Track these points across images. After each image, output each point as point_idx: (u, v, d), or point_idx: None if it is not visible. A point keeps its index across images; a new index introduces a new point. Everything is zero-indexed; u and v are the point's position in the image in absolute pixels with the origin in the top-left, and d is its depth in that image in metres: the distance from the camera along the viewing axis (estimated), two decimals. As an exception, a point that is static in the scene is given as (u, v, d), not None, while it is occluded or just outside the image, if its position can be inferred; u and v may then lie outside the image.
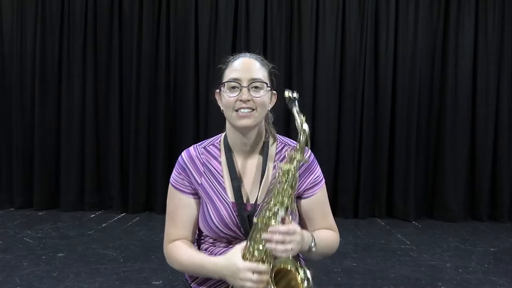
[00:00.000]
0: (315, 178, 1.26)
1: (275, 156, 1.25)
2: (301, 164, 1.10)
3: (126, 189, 4.49)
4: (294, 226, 1.05)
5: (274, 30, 4.49)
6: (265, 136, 1.27)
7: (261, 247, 1.03)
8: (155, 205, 4.48)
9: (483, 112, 4.51)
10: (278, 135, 1.30)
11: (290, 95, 1.10)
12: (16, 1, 4.49)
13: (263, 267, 1.01)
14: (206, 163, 1.26)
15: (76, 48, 4.49)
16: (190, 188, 1.24)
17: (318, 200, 1.27)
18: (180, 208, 1.24)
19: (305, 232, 1.11)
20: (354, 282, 2.73)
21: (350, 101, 4.51)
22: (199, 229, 1.27)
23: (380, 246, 3.52)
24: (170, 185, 1.27)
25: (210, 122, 4.47)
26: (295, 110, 1.09)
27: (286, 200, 1.05)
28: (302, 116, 1.08)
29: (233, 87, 1.19)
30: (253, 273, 1.00)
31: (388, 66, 4.48)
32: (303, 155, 1.07)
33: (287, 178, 1.06)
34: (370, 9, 4.46)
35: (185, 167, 1.25)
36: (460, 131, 4.49)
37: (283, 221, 1.05)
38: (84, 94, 4.51)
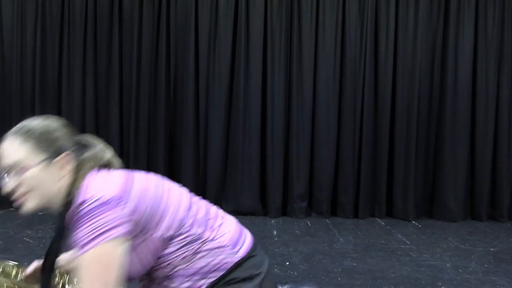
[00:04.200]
0: (76, 239, 1.00)
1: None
2: None
3: (126, 189, 4.48)
4: None
5: (274, 30, 4.49)
6: (71, 191, 1.09)
7: None
8: (155, 205, 4.47)
9: (483, 111, 4.50)
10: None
11: None
12: (16, 1, 4.49)
13: None
14: None
15: (76, 48, 4.48)
16: None
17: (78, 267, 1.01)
18: None
19: None
20: (354, 282, 2.73)
21: (350, 101, 4.51)
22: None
23: (380, 246, 3.52)
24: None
25: (210, 122, 4.47)
26: None
27: None
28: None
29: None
30: None
31: (388, 66, 4.47)
32: None
33: None
34: (370, 9, 4.45)
35: None
36: (460, 131, 4.48)
37: None
38: (84, 94, 4.51)
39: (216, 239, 1.16)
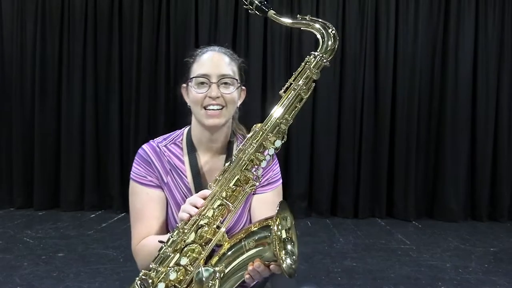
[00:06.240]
0: (271, 177, 1.22)
1: None
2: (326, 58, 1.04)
3: (126, 189, 4.46)
4: None
5: (274, 30, 4.49)
6: (231, 134, 1.23)
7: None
8: (155, 205, 4.47)
9: (483, 112, 4.51)
10: (241, 134, 1.26)
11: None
12: (16, 1, 4.49)
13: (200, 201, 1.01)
14: (171, 161, 1.21)
15: (76, 48, 4.48)
16: (156, 182, 1.20)
17: (266, 200, 1.20)
18: (150, 203, 1.18)
19: None
20: (354, 282, 2.73)
21: (350, 101, 4.51)
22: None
23: (380, 246, 3.52)
24: (132, 182, 1.23)
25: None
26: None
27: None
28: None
29: (202, 83, 1.13)
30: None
31: (388, 66, 4.47)
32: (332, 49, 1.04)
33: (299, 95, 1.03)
34: (370, 9, 4.46)
35: (150, 161, 1.23)
36: (460, 131, 4.49)
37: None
38: (84, 94, 4.50)
39: None
